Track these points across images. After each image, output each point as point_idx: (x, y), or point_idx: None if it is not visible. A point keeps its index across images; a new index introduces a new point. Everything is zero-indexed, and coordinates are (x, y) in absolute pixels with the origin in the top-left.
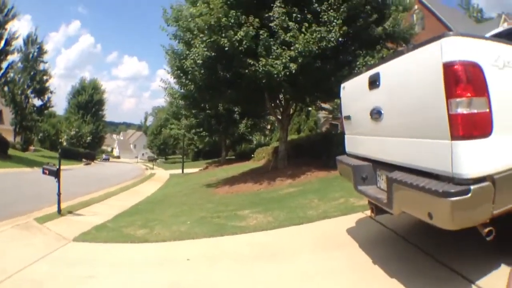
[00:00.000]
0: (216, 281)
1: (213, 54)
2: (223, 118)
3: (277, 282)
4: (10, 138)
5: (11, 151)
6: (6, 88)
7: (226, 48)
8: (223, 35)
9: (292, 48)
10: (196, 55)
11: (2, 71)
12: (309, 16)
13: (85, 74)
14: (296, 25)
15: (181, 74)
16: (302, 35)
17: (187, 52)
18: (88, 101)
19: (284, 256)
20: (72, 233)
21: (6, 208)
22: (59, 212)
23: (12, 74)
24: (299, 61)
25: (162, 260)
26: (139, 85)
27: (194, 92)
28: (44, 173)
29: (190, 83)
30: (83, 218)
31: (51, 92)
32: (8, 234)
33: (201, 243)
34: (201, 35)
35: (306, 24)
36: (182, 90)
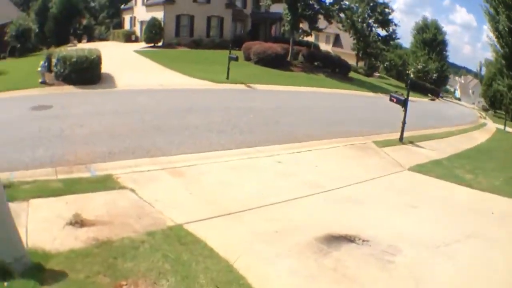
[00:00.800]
0: None
1: None
2: None
3: None
4: (351, 62)
5: (353, 75)
6: (342, 15)
7: None
8: None
9: None
10: None
11: None
12: None
13: (425, 14)
14: None
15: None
16: None
17: None
18: (432, 39)
19: None
20: (408, 162)
21: (337, 127)
22: (401, 140)
23: (346, 2)
24: None
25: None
26: (471, 34)
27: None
28: (391, 100)
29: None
30: (421, 150)
31: (395, 25)
32: (339, 151)
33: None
34: None
35: None
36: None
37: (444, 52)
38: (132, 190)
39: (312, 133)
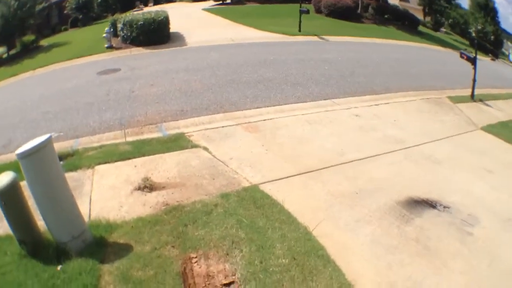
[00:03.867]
0: None
1: None
2: None
3: None
4: (419, 16)
5: (422, 29)
6: None
7: None
8: None
9: None
10: None
11: None
12: None
13: None
14: None
15: None
16: None
17: None
18: (485, 4)
19: None
20: (480, 121)
21: (412, 79)
22: (472, 97)
23: None
24: None
25: None
26: None
27: None
28: (461, 57)
29: None
30: (490, 110)
31: None
32: (415, 105)
33: None
34: None
35: None
36: None
37: (496, 18)
38: (205, 149)
39: (388, 85)
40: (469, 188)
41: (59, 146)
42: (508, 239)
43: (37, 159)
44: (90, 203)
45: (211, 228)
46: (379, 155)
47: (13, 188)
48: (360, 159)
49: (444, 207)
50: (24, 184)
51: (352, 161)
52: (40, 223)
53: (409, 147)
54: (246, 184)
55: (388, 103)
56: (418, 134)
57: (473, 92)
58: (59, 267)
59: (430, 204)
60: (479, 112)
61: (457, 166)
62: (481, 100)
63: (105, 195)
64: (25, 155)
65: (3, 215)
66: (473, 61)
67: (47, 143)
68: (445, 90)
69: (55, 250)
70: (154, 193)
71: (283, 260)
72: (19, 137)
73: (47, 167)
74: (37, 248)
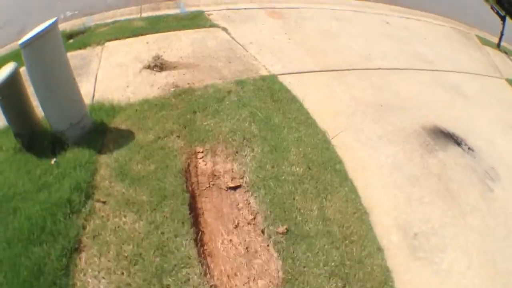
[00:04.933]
0: None
1: None
2: None
3: None
4: None
5: None
6: None
7: None
8: None
9: None
10: None
11: None
12: None
13: None
14: None
15: None
16: None
17: None
18: None
19: None
20: (505, 71)
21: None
22: (499, 46)
23: None
24: None
25: None
26: None
27: None
28: (492, 9)
29: None
30: None
31: None
32: (445, 31)
33: None
34: None
35: None
36: None
37: None
38: (224, 29)
39: (421, 2)
40: (494, 139)
41: (72, 25)
42: None
43: (37, 46)
44: (95, 82)
45: (221, 119)
46: (407, 70)
47: (11, 82)
48: (387, 69)
49: (469, 148)
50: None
51: (379, 68)
52: (40, 111)
53: (437, 71)
54: (265, 73)
55: (419, 20)
56: (447, 60)
57: (499, 42)
58: (53, 161)
59: (455, 140)
60: (505, 63)
61: (484, 108)
62: (506, 53)
63: (112, 74)
64: (26, 44)
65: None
66: (502, 18)
67: (50, 29)
68: (474, 28)
69: (51, 141)
70: (164, 73)
71: (297, 169)
72: (34, 22)
73: (48, 53)
74: (33, 140)
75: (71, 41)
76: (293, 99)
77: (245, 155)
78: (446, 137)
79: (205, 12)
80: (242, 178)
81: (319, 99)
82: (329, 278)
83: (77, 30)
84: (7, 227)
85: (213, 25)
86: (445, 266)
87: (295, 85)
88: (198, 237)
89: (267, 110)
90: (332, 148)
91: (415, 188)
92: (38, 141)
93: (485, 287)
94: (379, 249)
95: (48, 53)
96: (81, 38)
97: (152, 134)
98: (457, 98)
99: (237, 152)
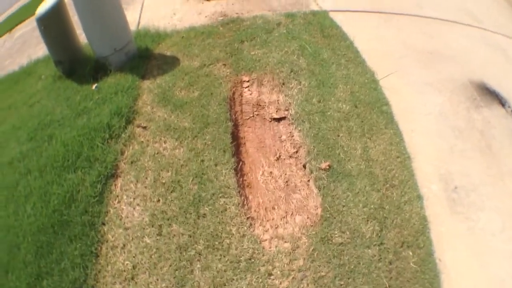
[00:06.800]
0: None
1: None
2: None
3: None
4: None
5: None
6: None
7: None
8: None
9: None
10: None
11: None
12: None
13: None
14: None
15: None
16: None
17: None
18: None
19: None
20: None
21: None
22: None
23: None
24: None
25: None
26: None
27: None
28: None
29: None
30: None
31: None
32: None
33: None
34: None
35: None
36: None
37: None
38: None
39: None
40: None
41: None
42: None
43: None
44: (141, 9)
45: (269, 50)
46: (456, 23)
47: (53, 14)
48: (437, 19)
49: None
50: None
51: (429, 17)
52: (83, 39)
53: (485, 30)
54: (315, 8)
55: None
56: (496, 23)
57: None
58: (94, 86)
59: (500, 100)
60: None
61: None
62: None
63: (159, 1)
64: None
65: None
66: None
67: None
68: None
69: (93, 68)
70: (212, 2)
71: (344, 106)
72: None
73: None
74: (75, 67)
75: None
76: (343, 36)
77: (292, 88)
78: (491, 95)
79: None
80: (287, 110)
81: (370, 39)
82: (367, 221)
83: None
84: (40, 155)
85: None
86: (480, 224)
87: (346, 23)
88: (238, 167)
89: (317, 44)
90: (380, 89)
91: (458, 140)
92: (79, 67)
93: None
94: (419, 197)
95: None
96: None
97: (197, 61)
98: (504, 60)
99: (283, 84)
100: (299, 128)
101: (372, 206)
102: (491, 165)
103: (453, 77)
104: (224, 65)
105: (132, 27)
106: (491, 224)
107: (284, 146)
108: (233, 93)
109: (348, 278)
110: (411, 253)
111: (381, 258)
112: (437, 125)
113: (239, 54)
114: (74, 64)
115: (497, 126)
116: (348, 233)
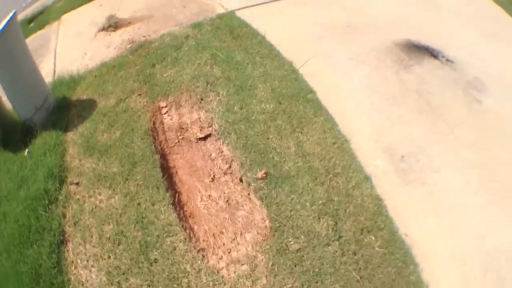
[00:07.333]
0: None
1: None
2: None
3: None
4: None
5: None
6: None
7: None
8: None
9: None
10: None
11: None
12: None
13: None
14: None
15: None
16: None
17: None
18: None
19: None
20: None
21: None
22: None
23: None
24: None
25: None
26: None
27: None
28: None
29: None
30: None
31: None
32: None
33: None
34: None
35: None
36: None
37: None
38: None
39: None
40: (476, 49)
41: (33, 8)
42: None
43: None
44: (55, 58)
45: (182, 67)
46: None
47: None
48: None
49: (447, 60)
50: None
51: None
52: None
53: None
54: (221, 11)
55: None
56: None
57: None
58: (26, 152)
59: (431, 52)
60: None
61: (463, 21)
62: None
63: (70, 45)
64: None
65: None
66: None
67: (8, 24)
68: None
69: (22, 132)
70: (119, 31)
71: (267, 106)
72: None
73: (7, 49)
74: (7, 134)
75: (32, 25)
76: (254, 33)
77: (211, 101)
78: (420, 50)
79: None
80: (210, 126)
81: (283, 29)
82: (319, 218)
83: (37, 12)
84: (2, 235)
85: None
86: (440, 186)
87: (255, 18)
88: (176, 199)
89: (228, 48)
90: (301, 78)
91: (394, 107)
92: (11, 135)
93: (489, 204)
94: (366, 178)
95: (8, 48)
96: (40, 19)
97: (113, 98)
98: (433, 10)
99: (202, 99)
100: (226, 142)
101: (320, 201)
102: (435, 121)
103: (376, 44)
104: (140, 95)
105: (49, 78)
106: (452, 181)
107: (216, 164)
108: (154, 123)
109: (316, 282)
110: (373, 238)
111: (343, 252)
112: (368, 97)
113: (152, 80)
114: (6, 132)
115: (432, 80)
116: (303, 237)
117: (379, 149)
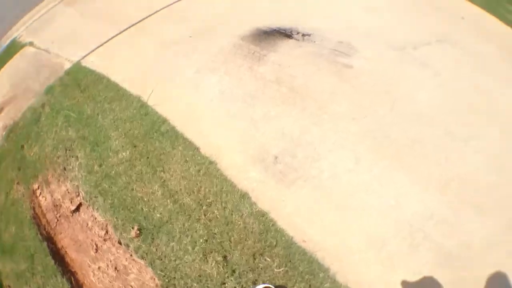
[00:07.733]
0: None
1: None
2: None
3: None
4: None
5: None
6: None
7: None
8: None
9: None
10: None
11: None
12: None
13: None
14: None
15: None
16: None
17: None
18: None
19: None
20: None
21: None
22: None
23: None
24: None
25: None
26: None
27: None
28: None
29: None
30: None
31: None
32: None
33: None
34: None
35: None
36: None
37: None
38: (31, 44)
39: None
40: (335, 14)
41: None
42: (401, 71)
43: None
44: None
45: (43, 140)
46: None
47: None
48: (174, 3)
49: (303, 34)
50: None
51: (174, 2)
52: None
53: None
54: (68, 66)
55: None
56: None
57: None
58: None
59: (283, 33)
60: None
61: None
62: None
63: None
64: None
65: None
66: None
67: None
68: None
69: None
70: None
71: (124, 154)
72: None
73: None
74: None
75: None
76: (99, 79)
77: (72, 168)
78: (271, 35)
79: (17, 38)
80: (78, 195)
81: (126, 64)
82: (206, 259)
83: None
84: None
85: (23, 46)
86: (327, 174)
87: (99, 62)
88: (73, 281)
89: (78, 105)
90: (151, 111)
91: (256, 106)
92: None
93: (389, 171)
94: (243, 196)
95: None
96: None
97: (2, 193)
98: None
99: (65, 169)
100: (96, 207)
101: (201, 240)
102: (305, 105)
103: (222, 45)
104: (18, 183)
105: None
106: (340, 163)
107: (94, 232)
108: (33, 209)
109: None
110: (268, 259)
111: (242, 285)
112: (225, 107)
113: (23, 163)
114: None
115: (292, 62)
116: (195, 284)
117: (249, 159)
